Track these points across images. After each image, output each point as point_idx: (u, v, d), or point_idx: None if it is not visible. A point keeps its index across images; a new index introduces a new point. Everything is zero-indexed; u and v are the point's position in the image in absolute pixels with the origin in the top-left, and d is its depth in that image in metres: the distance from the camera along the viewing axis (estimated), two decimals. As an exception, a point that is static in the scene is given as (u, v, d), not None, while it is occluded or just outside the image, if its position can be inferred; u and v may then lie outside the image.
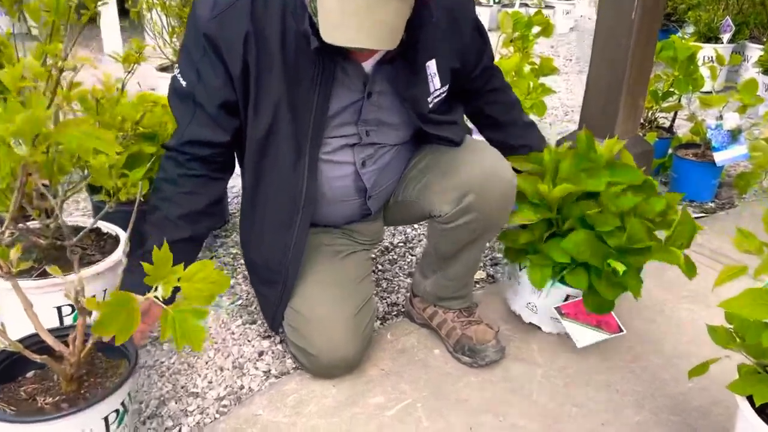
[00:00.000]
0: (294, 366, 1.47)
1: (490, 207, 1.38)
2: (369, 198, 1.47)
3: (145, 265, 0.90)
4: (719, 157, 2.28)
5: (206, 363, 1.48)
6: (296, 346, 1.41)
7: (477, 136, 1.64)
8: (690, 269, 1.46)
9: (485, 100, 1.58)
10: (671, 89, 2.56)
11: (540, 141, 1.63)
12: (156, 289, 0.92)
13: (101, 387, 1.09)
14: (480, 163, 1.40)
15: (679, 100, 2.64)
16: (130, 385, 1.12)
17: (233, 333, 1.59)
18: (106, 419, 1.06)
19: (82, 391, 1.08)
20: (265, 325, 1.57)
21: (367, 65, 1.30)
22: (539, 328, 1.61)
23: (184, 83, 1.27)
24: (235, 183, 2.15)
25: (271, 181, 1.34)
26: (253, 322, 1.62)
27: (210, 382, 1.42)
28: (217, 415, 1.33)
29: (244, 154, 1.36)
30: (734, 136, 2.28)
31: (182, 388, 1.40)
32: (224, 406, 1.35)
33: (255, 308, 1.68)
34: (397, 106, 1.37)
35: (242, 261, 1.80)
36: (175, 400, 1.36)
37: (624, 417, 1.35)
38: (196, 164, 1.32)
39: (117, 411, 1.08)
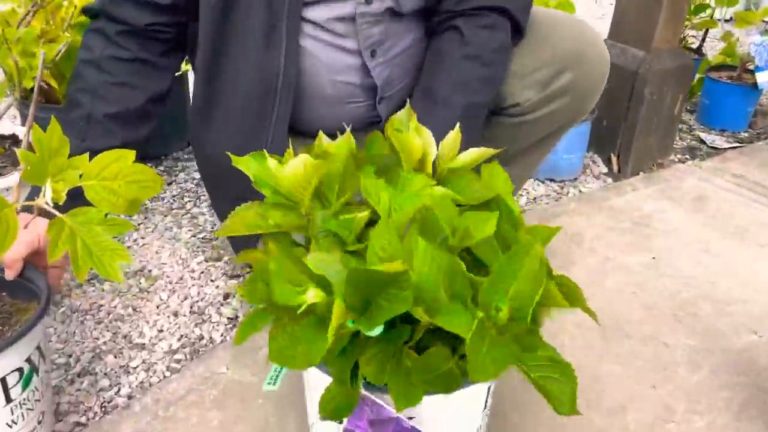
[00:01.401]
0: (267, 311, 1.18)
1: (585, 90, 1.08)
2: (380, 101, 1.11)
3: (22, 152, 0.58)
4: (763, 78, 1.98)
5: (157, 307, 1.19)
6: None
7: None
8: None
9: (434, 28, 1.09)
10: (706, 2, 2.24)
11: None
12: (44, 193, 0.60)
13: (2, 337, 0.81)
14: (571, 31, 1.07)
15: (712, 16, 2.33)
16: (40, 335, 0.83)
17: (193, 271, 1.29)
18: (3, 381, 0.77)
19: (-26, 343, 0.79)
20: (232, 263, 1.27)
21: None
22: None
23: None
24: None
25: (234, 60, 0.99)
26: (218, 259, 1.33)
27: (160, 331, 1.13)
28: (168, 373, 1.04)
29: (197, 28, 0.99)
30: (780, 54, 1.98)
31: (124, 338, 1.11)
32: (177, 361, 1.07)
33: (221, 242, 1.38)
34: None
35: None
36: (114, 353, 1.07)
37: (678, 377, 1.08)
38: (132, 42, 0.98)
39: (20, 370, 0.79)
